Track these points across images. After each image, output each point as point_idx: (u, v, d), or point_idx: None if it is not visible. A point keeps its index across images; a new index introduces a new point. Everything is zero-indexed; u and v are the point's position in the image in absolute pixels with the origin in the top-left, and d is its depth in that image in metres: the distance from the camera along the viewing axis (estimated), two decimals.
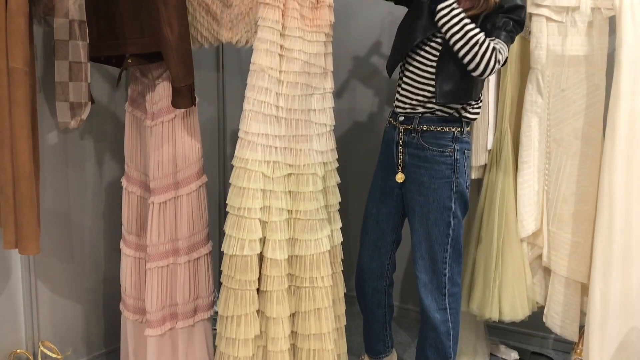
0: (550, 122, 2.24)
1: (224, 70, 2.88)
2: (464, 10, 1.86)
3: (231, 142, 2.93)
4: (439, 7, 1.83)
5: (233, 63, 2.89)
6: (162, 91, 1.99)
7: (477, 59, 1.80)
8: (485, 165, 2.32)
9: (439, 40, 1.94)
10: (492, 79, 2.27)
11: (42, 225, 1.88)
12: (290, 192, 2.05)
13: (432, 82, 1.95)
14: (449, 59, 1.90)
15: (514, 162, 2.29)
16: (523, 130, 2.25)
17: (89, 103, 1.91)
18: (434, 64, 1.95)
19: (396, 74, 2.11)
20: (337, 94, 2.83)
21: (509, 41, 1.89)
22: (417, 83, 2.00)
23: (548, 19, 2.17)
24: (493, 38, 1.85)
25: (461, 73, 1.89)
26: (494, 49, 1.81)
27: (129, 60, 1.97)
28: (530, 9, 2.17)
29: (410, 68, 2.02)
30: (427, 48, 1.97)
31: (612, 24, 2.12)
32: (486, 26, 1.87)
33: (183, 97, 1.90)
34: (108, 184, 2.38)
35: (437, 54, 1.94)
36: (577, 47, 2.19)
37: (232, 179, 1.98)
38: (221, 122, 2.92)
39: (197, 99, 1.97)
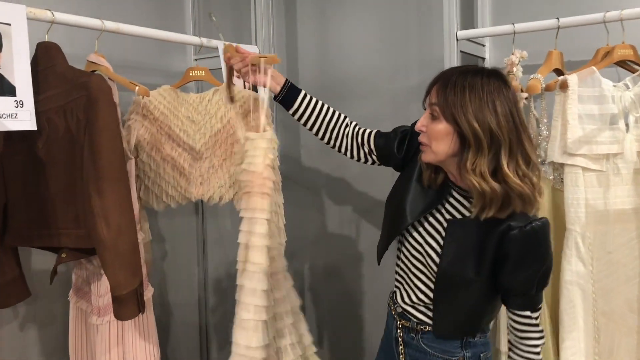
0: (597, 293, 1.78)
1: (204, 214, 2.51)
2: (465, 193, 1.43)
3: (213, 294, 2.52)
4: None
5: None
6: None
7: None
8: None
9: (439, 226, 1.46)
10: None
11: None
12: None
13: (430, 293, 1.49)
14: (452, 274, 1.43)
15: (554, 345, 1.82)
16: (563, 308, 1.78)
17: None
18: (433, 270, 1.45)
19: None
20: None
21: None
22: (412, 276, 1.54)
23: (585, 169, 1.75)
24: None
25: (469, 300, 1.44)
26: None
27: (63, 255, 1.59)
28: (561, 158, 1.75)
29: (405, 251, 1.55)
30: (421, 234, 1.49)
31: None
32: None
33: (126, 307, 1.50)
34: None
35: (439, 249, 1.44)
36: (624, 200, 1.76)
37: None
38: (201, 273, 2.52)
39: (145, 306, 1.56)
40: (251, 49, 2.20)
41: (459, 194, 1.44)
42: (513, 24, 1.92)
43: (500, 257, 1.36)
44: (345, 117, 1.68)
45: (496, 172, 1.31)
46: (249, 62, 1.64)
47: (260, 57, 1.63)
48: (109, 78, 1.65)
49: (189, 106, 1.99)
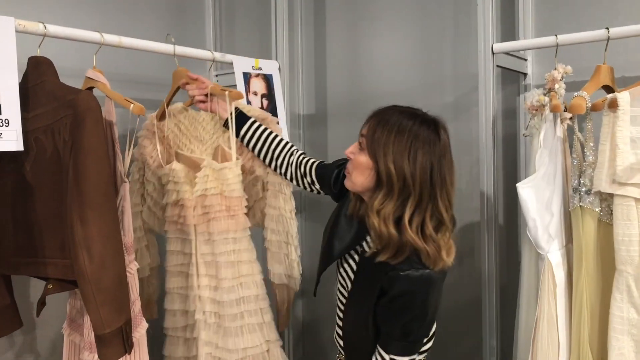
0: None
1: None
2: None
3: None
4: None
5: None
6: None
7: None
8: None
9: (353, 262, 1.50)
10: (561, 281, 1.62)
11: None
12: None
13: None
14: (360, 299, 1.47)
15: None
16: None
17: None
18: (343, 302, 1.53)
19: None
20: None
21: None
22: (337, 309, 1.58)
23: (638, 200, 1.51)
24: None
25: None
26: None
27: (49, 287, 1.47)
28: (610, 188, 1.52)
29: (337, 285, 1.58)
30: (344, 269, 1.54)
31: None
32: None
33: (109, 346, 1.36)
34: None
35: (349, 285, 1.50)
36: None
37: None
38: None
39: (132, 345, 1.41)
40: (271, 64, 2.07)
41: None
42: (556, 35, 1.71)
43: (382, 292, 1.37)
44: (291, 146, 1.71)
45: (399, 221, 1.32)
46: (209, 92, 1.71)
47: (223, 89, 1.69)
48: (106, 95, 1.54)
49: (198, 125, 1.86)
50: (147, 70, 2.12)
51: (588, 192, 1.58)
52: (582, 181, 1.59)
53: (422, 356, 1.48)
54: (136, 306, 1.49)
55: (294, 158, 1.70)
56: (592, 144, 1.60)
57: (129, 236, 1.49)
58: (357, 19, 2.39)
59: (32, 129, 1.45)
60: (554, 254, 1.63)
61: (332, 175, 1.62)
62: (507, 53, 1.90)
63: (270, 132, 1.72)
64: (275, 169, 1.75)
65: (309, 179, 1.69)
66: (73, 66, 1.63)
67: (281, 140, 1.73)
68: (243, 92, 1.96)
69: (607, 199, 1.58)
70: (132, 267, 1.49)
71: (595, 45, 1.67)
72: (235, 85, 1.96)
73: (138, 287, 1.51)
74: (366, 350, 1.45)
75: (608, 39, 1.62)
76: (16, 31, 1.40)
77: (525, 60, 2.06)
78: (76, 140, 1.36)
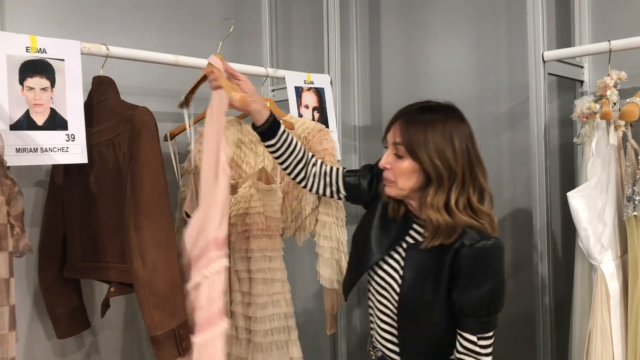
0: None
1: None
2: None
3: None
4: None
5: None
6: None
7: None
8: None
9: (399, 257, 1.46)
10: (615, 293, 1.57)
11: None
12: None
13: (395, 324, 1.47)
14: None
15: None
16: None
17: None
18: (395, 300, 1.45)
19: None
20: None
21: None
22: (379, 312, 1.51)
23: None
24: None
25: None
26: None
27: (112, 290, 1.57)
28: None
29: (372, 289, 1.53)
30: (384, 269, 1.48)
31: None
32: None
33: (163, 348, 1.43)
34: None
35: (399, 278, 1.44)
36: None
37: None
38: None
39: (188, 349, 1.48)
40: (322, 78, 2.13)
41: (418, 224, 1.45)
42: (609, 40, 1.67)
43: (453, 274, 1.37)
44: (313, 157, 1.68)
45: (447, 206, 1.35)
46: (219, 84, 1.53)
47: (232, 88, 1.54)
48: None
49: (252, 137, 1.93)
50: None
51: None
52: (636, 189, 1.55)
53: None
54: (215, 305, 1.47)
55: (316, 168, 1.66)
56: None
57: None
58: (411, 29, 2.41)
59: (96, 143, 1.57)
60: (607, 265, 1.59)
61: (366, 180, 1.61)
62: (560, 60, 1.87)
63: (297, 143, 1.65)
64: (295, 178, 1.67)
65: (334, 187, 1.65)
66: (134, 84, 1.74)
67: (306, 151, 1.67)
68: (294, 105, 2.02)
69: None
70: (217, 265, 1.46)
71: None
72: (286, 100, 2.03)
73: (222, 286, 1.48)
74: (435, 343, 1.43)
75: None
76: (81, 53, 1.53)
77: (582, 67, 2.01)
78: (133, 153, 1.46)
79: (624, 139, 1.61)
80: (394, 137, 1.40)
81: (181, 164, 1.85)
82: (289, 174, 1.67)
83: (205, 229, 1.46)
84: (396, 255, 1.46)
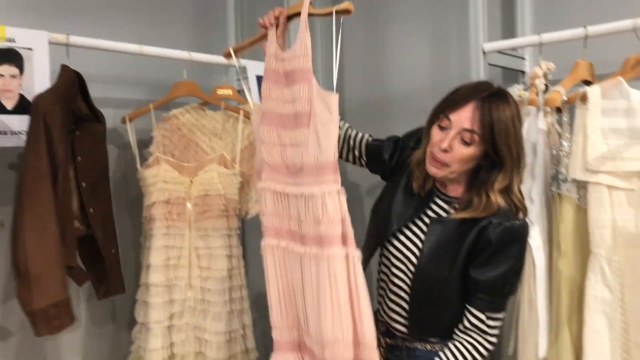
0: (628, 323, 1.62)
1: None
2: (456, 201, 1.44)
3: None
4: None
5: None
6: None
7: None
8: None
9: (419, 231, 1.47)
10: (541, 264, 1.72)
11: None
12: None
13: (408, 298, 1.49)
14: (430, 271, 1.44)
15: None
16: (587, 337, 1.63)
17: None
18: (411, 271, 1.46)
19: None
20: None
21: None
22: (391, 284, 1.52)
23: (611, 187, 1.61)
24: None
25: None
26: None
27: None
28: (583, 175, 1.62)
29: (386, 260, 1.53)
30: (402, 241, 1.49)
31: None
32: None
33: (36, 324, 1.54)
34: None
35: (417, 251, 1.45)
36: None
37: None
38: None
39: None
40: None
41: (442, 200, 1.47)
42: (539, 34, 1.82)
43: (476, 250, 1.38)
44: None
45: (507, 189, 1.38)
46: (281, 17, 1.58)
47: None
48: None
49: (216, 123, 2.06)
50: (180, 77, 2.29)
51: (565, 180, 1.69)
52: (559, 170, 1.70)
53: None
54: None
55: (341, 132, 1.64)
56: (568, 135, 1.70)
57: None
58: (374, 20, 2.47)
59: None
60: (535, 239, 1.74)
61: (388, 150, 1.60)
62: (502, 52, 2.01)
63: None
64: None
65: (357, 152, 1.65)
66: (99, 72, 1.84)
67: None
68: (256, 93, 2.14)
69: (584, 186, 1.68)
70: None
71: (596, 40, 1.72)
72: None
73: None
74: (444, 318, 1.45)
75: (586, 36, 1.72)
76: (49, 43, 1.64)
77: (524, 59, 2.16)
78: None
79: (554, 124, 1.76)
80: (468, 123, 1.34)
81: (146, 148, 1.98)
82: None
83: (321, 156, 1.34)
84: (415, 229, 1.47)
